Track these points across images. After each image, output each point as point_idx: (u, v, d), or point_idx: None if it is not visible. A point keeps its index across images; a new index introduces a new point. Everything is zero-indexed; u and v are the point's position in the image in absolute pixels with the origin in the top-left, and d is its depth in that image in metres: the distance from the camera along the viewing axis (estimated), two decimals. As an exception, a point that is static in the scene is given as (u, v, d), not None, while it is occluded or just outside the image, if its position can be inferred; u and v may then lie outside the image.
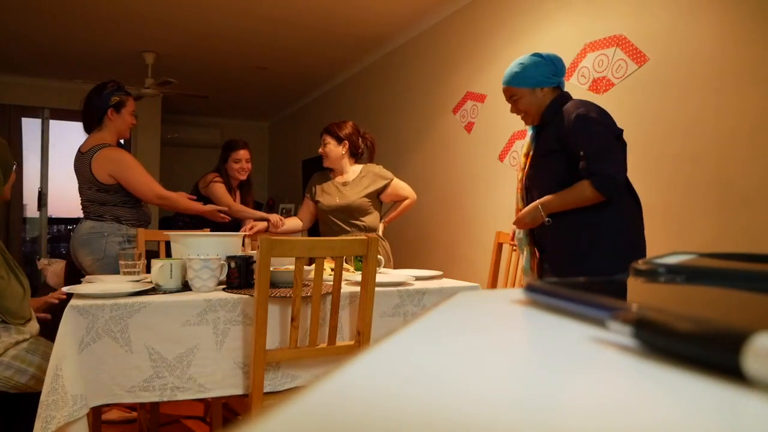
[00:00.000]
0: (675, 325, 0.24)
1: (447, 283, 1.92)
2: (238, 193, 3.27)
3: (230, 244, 1.87)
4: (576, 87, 2.81)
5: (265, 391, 1.49)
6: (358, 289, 1.64)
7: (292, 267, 1.58)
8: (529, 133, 2.06)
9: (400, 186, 2.84)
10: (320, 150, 2.78)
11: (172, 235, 1.88)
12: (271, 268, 1.53)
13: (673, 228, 2.30)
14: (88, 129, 2.55)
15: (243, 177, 3.21)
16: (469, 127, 3.69)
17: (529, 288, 0.41)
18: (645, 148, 2.44)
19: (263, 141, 8.27)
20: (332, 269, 1.69)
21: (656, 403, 0.21)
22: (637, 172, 2.49)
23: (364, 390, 0.22)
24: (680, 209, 2.28)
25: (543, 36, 3.04)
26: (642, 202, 1.95)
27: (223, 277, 1.66)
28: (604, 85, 2.66)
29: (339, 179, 2.77)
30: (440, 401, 0.21)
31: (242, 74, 5.68)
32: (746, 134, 2.06)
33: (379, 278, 1.67)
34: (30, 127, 6.04)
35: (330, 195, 2.74)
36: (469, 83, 3.69)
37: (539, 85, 1.94)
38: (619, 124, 2.66)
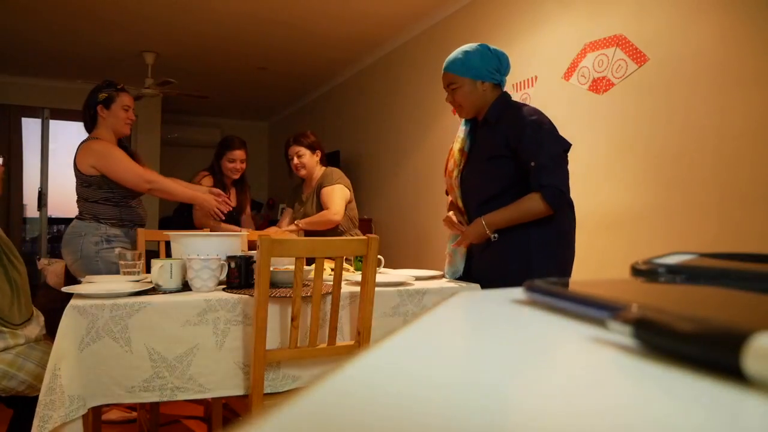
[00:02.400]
0: (675, 325, 0.24)
1: (447, 283, 1.92)
2: (233, 191, 3.26)
3: (230, 244, 1.87)
4: (576, 87, 2.81)
5: (265, 391, 1.49)
6: (358, 289, 1.64)
7: (292, 267, 1.58)
8: (463, 127, 1.94)
9: (329, 197, 2.70)
10: (295, 163, 2.69)
11: (172, 235, 1.89)
12: (271, 268, 1.53)
13: (673, 228, 2.30)
14: (88, 129, 2.56)
15: (236, 177, 3.20)
16: (469, 127, 3.69)
17: (529, 288, 0.41)
18: (645, 147, 2.44)
19: (263, 141, 8.26)
20: (332, 269, 1.69)
21: (656, 403, 0.21)
22: (636, 172, 2.49)
23: (364, 390, 0.22)
24: (680, 209, 2.28)
25: (543, 36, 3.04)
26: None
27: (223, 277, 1.66)
28: (604, 85, 2.66)
29: (306, 191, 2.75)
30: (440, 401, 0.21)
31: (242, 74, 5.69)
32: (747, 134, 2.06)
33: (379, 278, 1.67)
34: (30, 127, 6.05)
35: (297, 210, 2.75)
36: (469, 83, 3.69)
37: (481, 78, 1.82)
38: (619, 124, 2.65)
